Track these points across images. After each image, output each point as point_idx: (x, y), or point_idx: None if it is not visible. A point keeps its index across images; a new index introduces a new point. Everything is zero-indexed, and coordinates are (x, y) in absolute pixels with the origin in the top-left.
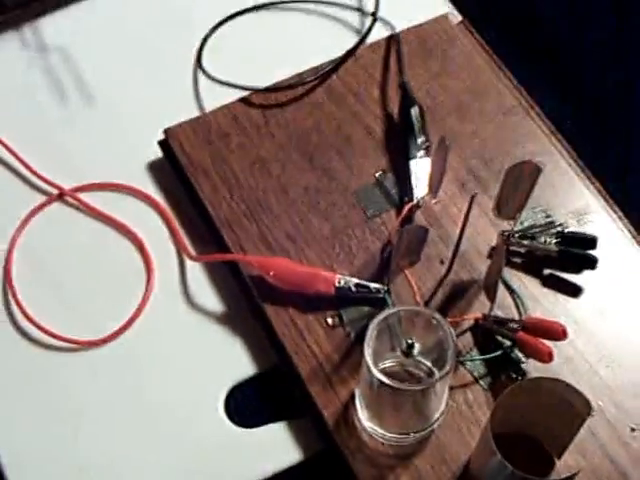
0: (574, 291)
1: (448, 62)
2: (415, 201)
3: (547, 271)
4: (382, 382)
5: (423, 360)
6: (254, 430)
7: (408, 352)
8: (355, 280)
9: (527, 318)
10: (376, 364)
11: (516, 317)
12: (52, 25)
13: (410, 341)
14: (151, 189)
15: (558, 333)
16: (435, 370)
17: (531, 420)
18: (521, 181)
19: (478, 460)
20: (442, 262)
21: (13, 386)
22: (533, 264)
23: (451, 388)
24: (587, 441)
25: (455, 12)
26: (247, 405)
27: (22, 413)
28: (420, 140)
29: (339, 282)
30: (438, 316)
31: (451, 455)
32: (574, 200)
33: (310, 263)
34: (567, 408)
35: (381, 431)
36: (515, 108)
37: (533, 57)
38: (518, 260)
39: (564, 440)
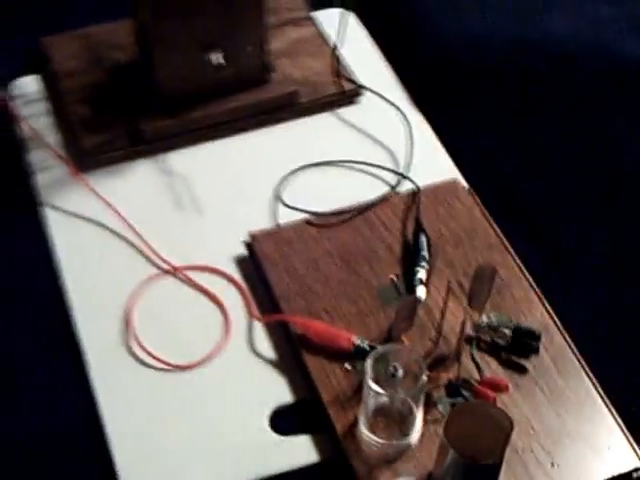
0: (520, 369)
1: (453, 210)
2: (417, 297)
3: (503, 354)
4: (372, 389)
5: (408, 399)
6: (288, 437)
7: (394, 374)
8: (367, 341)
9: (484, 378)
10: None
11: (476, 378)
12: (176, 155)
13: (395, 365)
14: (234, 272)
15: (502, 388)
16: (413, 405)
17: (469, 436)
18: (484, 279)
19: (439, 464)
20: (430, 340)
21: (125, 394)
22: (494, 348)
23: (425, 422)
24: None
25: (462, 178)
26: (285, 420)
27: (132, 415)
28: (424, 257)
29: (356, 341)
30: (415, 351)
31: (423, 463)
32: (529, 308)
33: (338, 328)
34: (494, 424)
35: (374, 438)
36: (495, 244)
37: (512, 216)
38: (484, 345)
39: (496, 455)
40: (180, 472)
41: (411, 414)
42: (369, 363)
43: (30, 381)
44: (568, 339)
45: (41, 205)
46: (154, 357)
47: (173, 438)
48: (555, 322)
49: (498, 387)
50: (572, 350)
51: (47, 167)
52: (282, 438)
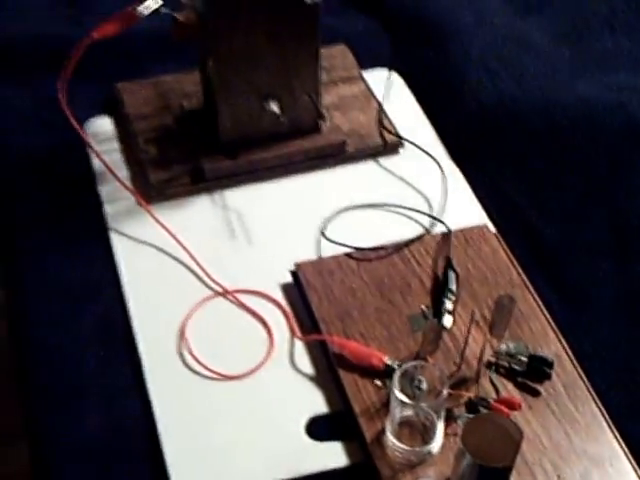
0: (534, 392)
1: (480, 251)
2: (443, 324)
3: (519, 378)
4: (398, 399)
5: (430, 411)
6: (322, 443)
7: (418, 387)
8: (397, 362)
9: (500, 397)
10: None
11: (494, 397)
12: (233, 193)
13: (420, 379)
14: (280, 297)
15: (516, 406)
16: (435, 417)
17: (484, 444)
18: (503, 309)
19: (455, 469)
20: (454, 363)
21: (178, 400)
22: (511, 372)
23: (446, 434)
24: None
25: (490, 223)
26: (320, 428)
27: (183, 419)
28: (452, 290)
29: (387, 361)
30: (438, 367)
31: (442, 470)
32: (545, 340)
33: (371, 348)
34: (506, 434)
35: (399, 445)
36: (517, 282)
37: (534, 258)
38: (502, 370)
39: (507, 460)
40: (223, 470)
41: (433, 425)
42: (397, 376)
43: (94, 387)
44: (579, 368)
45: (110, 231)
46: (205, 367)
47: (218, 439)
48: (568, 353)
49: (512, 405)
50: (582, 378)
51: (117, 198)
52: (316, 443)
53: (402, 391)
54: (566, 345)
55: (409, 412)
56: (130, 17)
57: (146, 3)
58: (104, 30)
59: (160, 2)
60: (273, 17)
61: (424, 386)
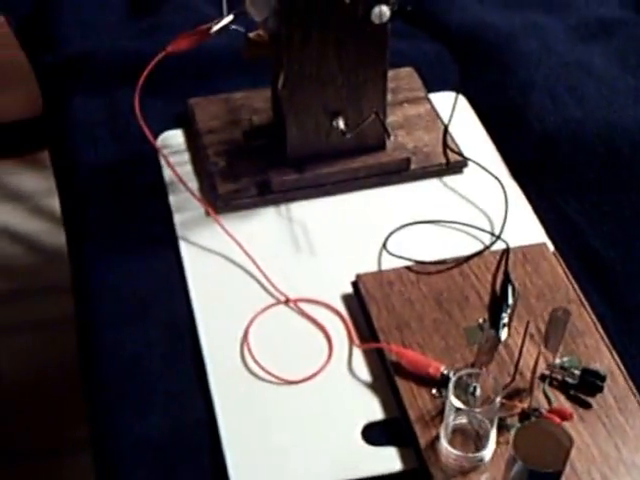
0: (586, 405)
1: (538, 269)
2: (499, 337)
3: (572, 391)
4: (453, 404)
5: (483, 419)
6: (377, 448)
7: (473, 393)
8: (453, 371)
9: (552, 407)
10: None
11: (546, 407)
12: (298, 206)
13: (474, 386)
14: (340, 306)
15: (567, 416)
16: (488, 424)
17: (534, 450)
18: (558, 322)
19: (505, 477)
20: (508, 375)
21: (239, 402)
22: (564, 385)
23: (498, 443)
24: None
25: (549, 242)
26: (376, 434)
27: (244, 420)
28: (509, 304)
29: (444, 370)
30: (492, 375)
31: (494, 476)
32: (598, 355)
33: (428, 358)
34: (556, 440)
35: (452, 451)
36: (574, 299)
37: (591, 277)
38: (556, 382)
39: (557, 465)
40: (281, 470)
41: (486, 433)
42: (452, 382)
43: (159, 388)
44: (631, 383)
45: (179, 239)
46: (266, 371)
47: (277, 441)
48: (620, 368)
49: (564, 415)
50: (633, 393)
51: (186, 208)
52: (372, 448)
53: (457, 398)
54: (619, 360)
55: (463, 420)
56: (203, 34)
57: (219, 21)
58: (177, 45)
59: (231, 19)
60: (342, 37)
61: (478, 393)
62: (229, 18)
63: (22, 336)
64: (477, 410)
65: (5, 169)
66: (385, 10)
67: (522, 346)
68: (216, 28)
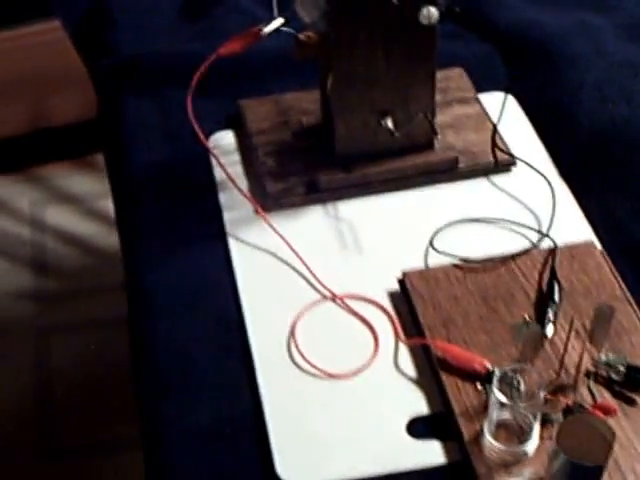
0: (630, 401)
1: (585, 266)
2: (544, 333)
3: (616, 387)
4: (497, 398)
5: (527, 413)
6: (422, 441)
7: (517, 387)
8: (498, 366)
9: (596, 403)
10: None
11: (590, 403)
12: (345, 204)
13: (518, 380)
14: (386, 303)
15: (611, 411)
16: (531, 419)
17: (577, 443)
18: (603, 318)
19: (549, 470)
20: (554, 370)
21: (286, 396)
22: (609, 381)
23: (542, 438)
24: None
25: (597, 241)
26: (420, 428)
27: (290, 413)
28: (555, 301)
29: (488, 366)
30: (536, 370)
31: (537, 470)
32: None
33: (473, 353)
34: (599, 434)
35: (496, 444)
36: (620, 297)
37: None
38: (600, 379)
39: (599, 459)
40: (327, 462)
41: (529, 427)
42: (497, 376)
43: (208, 381)
44: None
45: (228, 237)
46: (313, 366)
47: (323, 434)
48: None
49: (608, 410)
50: None
51: (235, 206)
52: (416, 441)
53: (501, 393)
54: None
55: (507, 415)
56: (254, 36)
57: (270, 23)
58: (229, 47)
59: (282, 21)
60: (391, 38)
61: (522, 388)
62: (280, 20)
63: (75, 336)
64: (521, 405)
65: (60, 172)
66: (433, 11)
67: (567, 342)
68: (267, 30)
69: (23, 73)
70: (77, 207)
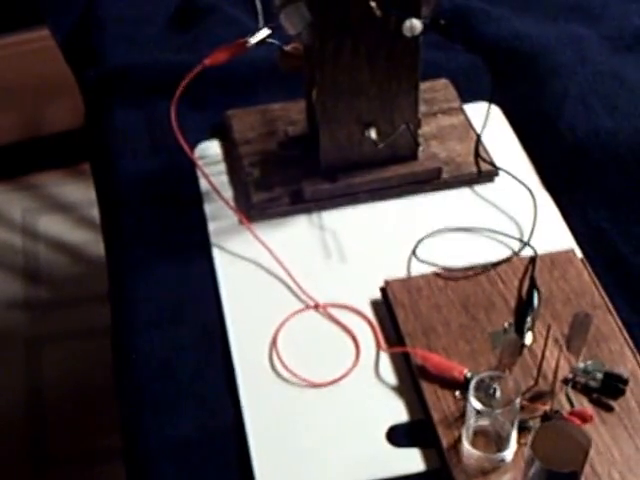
0: (608, 408)
1: (566, 274)
2: (523, 341)
3: (594, 394)
4: (473, 406)
5: (504, 420)
6: (402, 449)
7: (493, 394)
8: (477, 374)
9: (573, 409)
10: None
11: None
12: (330, 214)
13: (494, 387)
14: (368, 312)
15: (587, 417)
16: (509, 425)
17: (552, 450)
18: (579, 326)
19: (525, 477)
20: (532, 378)
21: (267, 405)
22: (587, 388)
23: (520, 444)
24: None
25: (578, 249)
26: (400, 435)
27: (271, 421)
28: (534, 309)
29: (467, 374)
30: (512, 377)
31: (515, 476)
32: (622, 359)
33: (452, 362)
34: (575, 442)
35: (474, 451)
36: (599, 305)
37: (618, 284)
38: (578, 386)
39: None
40: (307, 471)
41: (507, 434)
42: (473, 384)
43: (189, 391)
44: None
45: (212, 247)
46: (294, 375)
47: (303, 442)
48: None
49: (584, 417)
50: None
51: (220, 216)
52: (396, 449)
53: (477, 400)
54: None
55: (484, 421)
56: (240, 47)
57: (256, 34)
58: (215, 58)
59: (268, 32)
60: (375, 49)
61: (498, 394)
62: (266, 31)
63: (66, 344)
64: (497, 412)
65: (53, 180)
66: (417, 24)
67: (544, 350)
68: (253, 41)
69: (16, 81)
70: (70, 215)
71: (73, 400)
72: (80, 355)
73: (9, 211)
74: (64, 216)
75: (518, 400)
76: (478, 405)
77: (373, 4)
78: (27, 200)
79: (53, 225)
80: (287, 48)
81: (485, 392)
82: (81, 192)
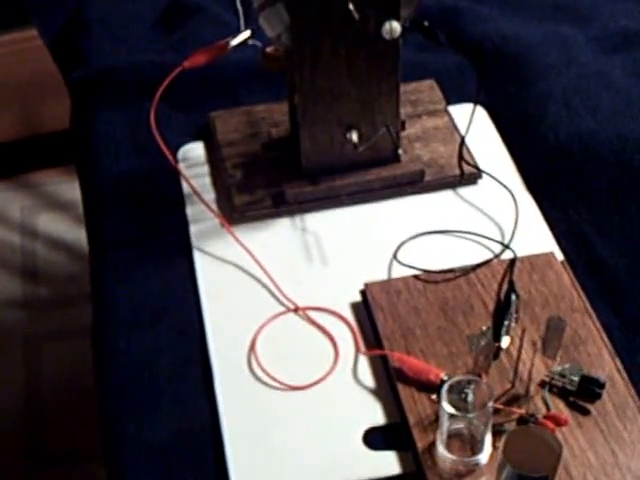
0: (584, 411)
1: (545, 277)
2: (498, 343)
3: (571, 398)
4: (445, 410)
5: (478, 423)
6: (378, 452)
7: (465, 399)
8: (453, 377)
9: (548, 413)
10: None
11: (544, 414)
12: (312, 217)
13: (467, 391)
14: (348, 315)
15: (561, 421)
16: (483, 429)
17: (524, 455)
18: (554, 330)
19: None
20: (509, 381)
21: (244, 407)
22: (563, 392)
23: (495, 447)
24: None
25: (559, 252)
26: (376, 438)
27: (248, 424)
28: (512, 312)
29: (444, 377)
30: (485, 381)
31: (488, 479)
32: (600, 363)
33: (429, 365)
34: (546, 447)
35: (448, 455)
36: (579, 308)
37: (598, 287)
38: (555, 389)
39: (546, 471)
40: (283, 473)
41: (481, 437)
42: (445, 388)
43: (168, 393)
44: (632, 390)
45: (193, 249)
46: (272, 378)
47: (280, 444)
48: (622, 376)
49: (558, 421)
50: (633, 399)
51: (202, 219)
52: (372, 452)
53: (451, 404)
54: (621, 367)
55: (459, 425)
56: (221, 48)
57: (237, 35)
58: (195, 60)
59: (249, 34)
60: (354, 52)
61: (470, 398)
62: (247, 33)
63: (65, 343)
64: (470, 415)
65: (50, 178)
66: (396, 26)
67: (519, 353)
68: (234, 43)
69: (14, 79)
70: (69, 214)
71: (72, 398)
72: (79, 353)
73: (8, 209)
74: (63, 214)
75: (491, 404)
76: (450, 409)
77: (351, 6)
78: (26, 198)
79: (52, 223)
80: (269, 50)
81: (458, 395)
82: (78, 191)
